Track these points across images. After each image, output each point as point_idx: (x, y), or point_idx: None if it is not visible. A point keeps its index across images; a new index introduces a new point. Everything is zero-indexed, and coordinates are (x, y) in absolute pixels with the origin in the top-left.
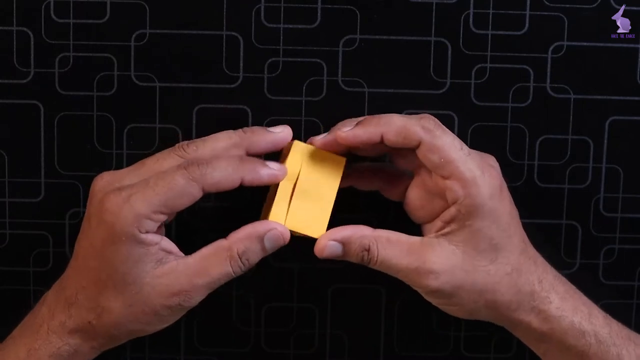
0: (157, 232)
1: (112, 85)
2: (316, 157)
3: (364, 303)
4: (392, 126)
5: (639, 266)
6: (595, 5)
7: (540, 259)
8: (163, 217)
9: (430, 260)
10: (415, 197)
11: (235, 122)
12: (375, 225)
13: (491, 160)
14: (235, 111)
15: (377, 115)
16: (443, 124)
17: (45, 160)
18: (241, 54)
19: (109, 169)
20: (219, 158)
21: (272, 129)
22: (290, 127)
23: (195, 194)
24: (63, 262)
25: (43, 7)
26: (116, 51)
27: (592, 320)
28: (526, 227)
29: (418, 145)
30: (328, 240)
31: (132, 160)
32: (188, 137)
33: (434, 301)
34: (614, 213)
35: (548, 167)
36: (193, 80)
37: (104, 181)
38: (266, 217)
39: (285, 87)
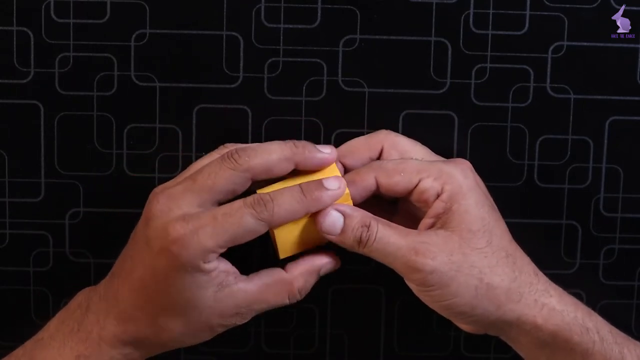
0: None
1: (112, 85)
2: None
3: (364, 303)
4: (382, 170)
5: (639, 266)
6: (595, 5)
7: (527, 257)
8: (225, 249)
9: (428, 241)
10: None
11: (235, 122)
12: None
13: (458, 159)
14: (235, 111)
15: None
16: (443, 124)
17: (45, 160)
18: (241, 54)
19: (108, 169)
20: (282, 193)
21: (320, 147)
22: (290, 127)
23: (262, 231)
24: (63, 262)
25: (43, 7)
26: (116, 51)
27: (592, 317)
28: (526, 227)
29: (378, 185)
30: (331, 209)
31: (132, 160)
32: (188, 137)
33: (434, 299)
34: (614, 213)
35: (548, 167)
36: (193, 80)
37: (162, 205)
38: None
39: (285, 87)
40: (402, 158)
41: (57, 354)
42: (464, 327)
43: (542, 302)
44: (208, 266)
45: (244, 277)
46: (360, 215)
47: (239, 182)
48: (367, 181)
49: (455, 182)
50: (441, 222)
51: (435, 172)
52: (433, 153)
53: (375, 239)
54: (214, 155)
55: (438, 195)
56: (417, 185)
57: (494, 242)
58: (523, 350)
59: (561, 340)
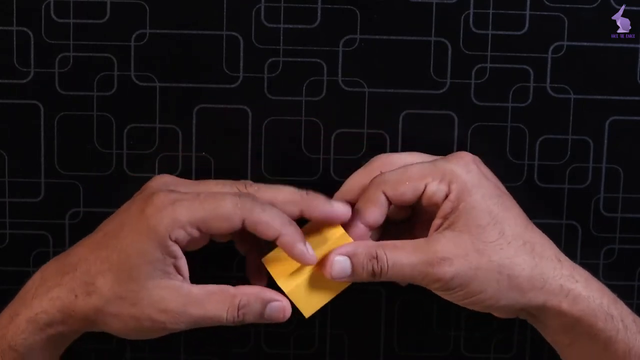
0: (181, 249)
1: (112, 85)
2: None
3: (364, 303)
4: (375, 204)
5: (639, 266)
6: (595, 5)
7: (550, 241)
8: (196, 233)
9: (440, 250)
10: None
11: (235, 122)
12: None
13: (461, 153)
14: (235, 111)
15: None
16: (443, 124)
17: (45, 160)
18: (241, 54)
19: (109, 169)
20: (272, 207)
21: (334, 202)
22: (290, 127)
23: (236, 222)
24: None
25: (43, 7)
26: (116, 51)
27: (618, 305)
28: None
29: (389, 198)
30: (335, 256)
31: (132, 160)
32: (188, 137)
33: (458, 298)
34: (614, 213)
35: (548, 167)
36: (193, 80)
37: (162, 181)
38: (281, 268)
39: (285, 87)
40: (404, 166)
41: (2, 317)
42: (495, 314)
43: (568, 287)
44: (169, 245)
45: (192, 284)
46: (365, 250)
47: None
48: (379, 200)
49: (460, 179)
50: (449, 221)
51: (439, 174)
52: (431, 157)
53: (388, 266)
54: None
55: (447, 196)
56: (424, 190)
57: (507, 232)
58: (549, 334)
59: (585, 326)
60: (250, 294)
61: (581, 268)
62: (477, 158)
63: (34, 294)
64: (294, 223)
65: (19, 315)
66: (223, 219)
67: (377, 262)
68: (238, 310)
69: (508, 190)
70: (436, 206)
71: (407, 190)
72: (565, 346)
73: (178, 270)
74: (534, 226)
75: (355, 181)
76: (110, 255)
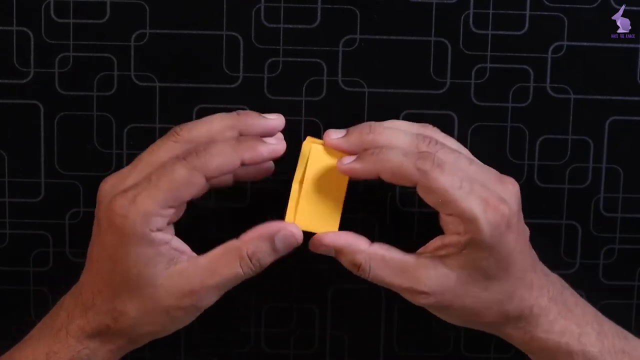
0: (167, 231)
1: (112, 85)
2: (324, 155)
3: (364, 303)
4: (387, 165)
5: (639, 266)
6: (595, 5)
7: (539, 282)
8: (171, 211)
9: (422, 282)
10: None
11: None
12: (373, 224)
13: (508, 186)
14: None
15: (376, 149)
16: (443, 124)
17: (45, 160)
18: (241, 54)
19: (109, 169)
20: (215, 142)
21: (266, 115)
22: (290, 127)
23: (199, 182)
24: (63, 262)
25: (43, 7)
26: (116, 51)
27: (582, 339)
28: (526, 227)
29: (415, 185)
30: (322, 244)
31: (132, 160)
32: None
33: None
34: (614, 213)
35: (548, 167)
36: (193, 80)
37: (109, 185)
38: None
39: (285, 87)
40: (455, 178)
41: (31, 353)
42: None
43: (526, 329)
44: (155, 236)
45: (195, 254)
46: (351, 255)
47: (179, 153)
48: (409, 182)
49: (479, 235)
50: (446, 252)
51: (468, 217)
52: (482, 167)
53: (369, 277)
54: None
55: (458, 233)
56: (447, 214)
57: (491, 288)
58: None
59: (545, 357)
60: (253, 239)
61: (556, 306)
62: (515, 205)
63: (68, 333)
64: (243, 137)
65: (57, 354)
66: (185, 186)
67: (358, 270)
68: (250, 260)
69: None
70: (444, 223)
71: (434, 202)
72: None
73: (178, 250)
74: (531, 273)
75: (399, 137)
76: (113, 278)
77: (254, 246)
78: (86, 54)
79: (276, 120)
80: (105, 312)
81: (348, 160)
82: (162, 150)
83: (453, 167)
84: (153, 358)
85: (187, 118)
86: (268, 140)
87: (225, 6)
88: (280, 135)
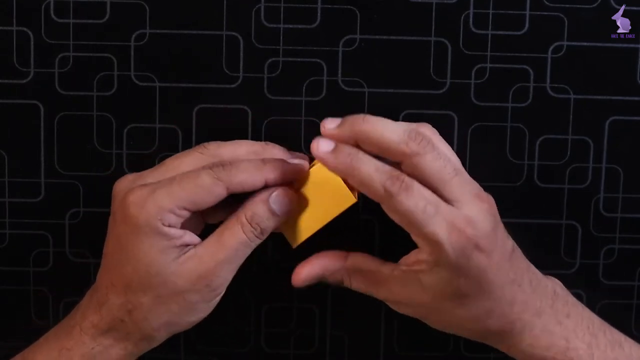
0: (179, 229)
1: (112, 85)
2: (330, 184)
3: (364, 303)
4: (356, 174)
5: (639, 266)
6: (595, 5)
7: (522, 297)
8: (186, 214)
9: (399, 294)
10: None
11: (235, 122)
12: (374, 224)
13: (483, 205)
14: (235, 111)
15: (352, 151)
16: (443, 124)
17: (45, 160)
18: (241, 54)
19: (109, 168)
20: (242, 160)
21: (291, 153)
22: (290, 127)
23: (220, 192)
24: (63, 262)
25: (43, 7)
26: (116, 51)
27: (569, 354)
28: (526, 227)
29: (380, 203)
30: (303, 278)
31: (132, 160)
32: (188, 137)
33: None
34: (614, 213)
35: (548, 167)
36: (193, 80)
37: (127, 180)
38: None
39: (285, 87)
40: (421, 201)
41: (45, 349)
42: None
43: (508, 343)
44: (167, 230)
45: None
46: (331, 276)
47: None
48: (373, 196)
49: (444, 257)
50: (421, 267)
51: (432, 241)
52: (464, 180)
53: (350, 287)
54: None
55: (428, 252)
56: (411, 234)
57: (468, 304)
58: None
59: None
60: (249, 204)
61: (541, 320)
62: (487, 227)
63: (82, 330)
64: (268, 158)
65: (70, 350)
66: (206, 192)
67: (342, 284)
68: (250, 224)
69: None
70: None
71: (398, 222)
72: None
73: (190, 243)
74: (511, 286)
75: (386, 136)
76: (125, 269)
77: (251, 210)
78: (86, 54)
79: (300, 163)
80: (119, 306)
81: (325, 147)
82: (188, 158)
83: (420, 191)
84: (153, 358)
85: (187, 118)
86: (292, 161)
87: (225, 6)
88: (304, 160)
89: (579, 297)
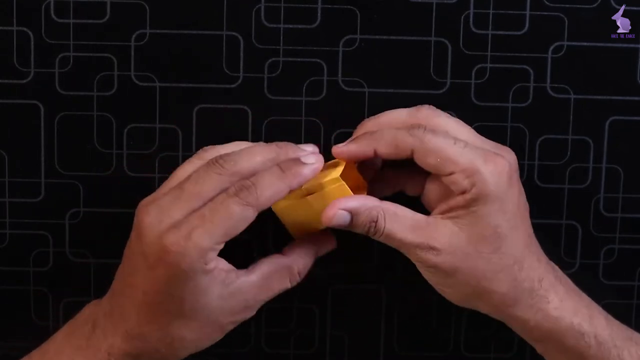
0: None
1: (112, 85)
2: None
3: (364, 303)
4: (381, 140)
5: (639, 266)
6: (595, 5)
7: (544, 258)
8: (222, 246)
9: (434, 237)
10: (432, 190)
11: (235, 122)
12: None
13: (503, 151)
14: (235, 111)
15: (370, 131)
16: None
17: (45, 160)
18: (241, 54)
19: (109, 169)
20: (262, 175)
21: (303, 146)
22: (290, 127)
23: (251, 216)
24: (63, 262)
25: (43, 7)
26: (116, 51)
27: (593, 321)
28: None
29: (412, 154)
30: (337, 209)
31: (132, 160)
32: (188, 137)
33: (430, 279)
34: (614, 213)
35: (548, 167)
36: (193, 80)
37: (152, 217)
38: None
39: (285, 87)
40: (448, 137)
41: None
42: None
43: (538, 307)
44: (209, 267)
45: (244, 270)
46: (367, 211)
47: (227, 187)
48: (403, 154)
49: (485, 187)
50: (456, 213)
51: (470, 171)
52: (477, 135)
53: (382, 233)
54: (195, 161)
55: (465, 191)
56: (448, 174)
57: (502, 249)
58: (520, 335)
59: (554, 341)
60: (302, 254)
61: (563, 285)
62: (513, 164)
63: (110, 355)
64: (284, 163)
65: None
66: (240, 222)
67: (375, 226)
68: (299, 275)
69: (519, 182)
70: (450, 187)
71: (433, 165)
72: (541, 352)
73: (225, 270)
74: (536, 245)
75: (394, 118)
76: (167, 309)
77: (303, 263)
78: (86, 54)
79: (312, 151)
80: (158, 340)
81: (343, 143)
82: (208, 182)
83: (445, 132)
84: None
85: (187, 118)
86: (307, 160)
87: (225, 6)
88: (316, 150)
89: None
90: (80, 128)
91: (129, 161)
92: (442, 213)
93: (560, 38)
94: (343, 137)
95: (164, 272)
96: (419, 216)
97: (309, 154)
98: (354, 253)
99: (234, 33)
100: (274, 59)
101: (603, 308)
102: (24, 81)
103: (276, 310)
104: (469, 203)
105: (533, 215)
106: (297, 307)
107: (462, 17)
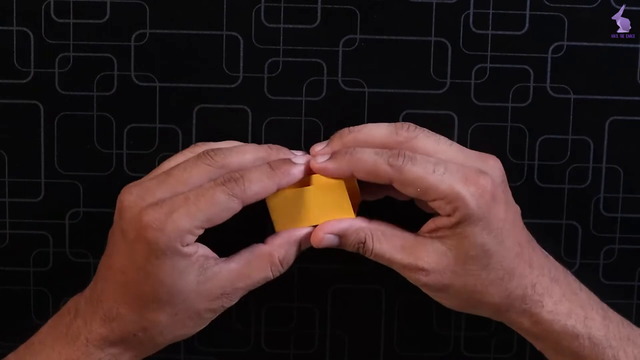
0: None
1: (112, 85)
2: (336, 193)
3: (364, 303)
4: (360, 165)
5: (639, 266)
6: (595, 5)
7: (539, 261)
8: (202, 231)
9: (422, 258)
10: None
11: (235, 122)
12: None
13: (487, 164)
14: (235, 111)
15: (349, 149)
16: (443, 124)
17: (45, 160)
18: (241, 54)
19: (109, 169)
20: (251, 170)
21: (294, 152)
22: (290, 127)
23: (236, 207)
24: (63, 262)
25: (43, 7)
26: (116, 51)
27: (588, 323)
28: (527, 227)
29: (392, 183)
30: (325, 234)
31: (132, 160)
32: (188, 137)
33: (424, 291)
34: (614, 213)
35: (548, 167)
36: (193, 80)
37: (134, 196)
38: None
39: (285, 87)
40: (428, 165)
41: (46, 359)
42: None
43: (532, 311)
44: (187, 249)
45: (224, 258)
46: (355, 233)
47: (214, 179)
48: (384, 179)
49: (467, 210)
50: (443, 234)
51: (451, 196)
52: (462, 148)
53: (372, 253)
54: (186, 153)
55: (449, 214)
56: (431, 200)
57: (491, 265)
58: (520, 334)
59: (549, 342)
60: (284, 244)
61: (563, 282)
62: (498, 178)
63: (88, 341)
64: (275, 162)
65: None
66: (222, 210)
67: (364, 247)
68: (280, 264)
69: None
70: (434, 211)
71: (414, 193)
72: (539, 349)
73: (205, 256)
74: (528, 248)
75: (373, 136)
76: (142, 289)
77: (284, 251)
78: (86, 54)
79: (306, 162)
80: (134, 322)
81: (321, 159)
82: (196, 171)
83: (424, 158)
84: (153, 358)
85: (187, 118)
86: (297, 160)
87: (225, 6)
88: (307, 157)
89: None
90: (80, 128)
91: (129, 161)
92: (430, 232)
93: (560, 38)
94: None
95: (141, 249)
96: (408, 236)
97: (300, 157)
98: (354, 253)
99: (234, 33)
100: (273, 59)
101: None
102: (24, 81)
103: (276, 310)
104: (454, 225)
105: (533, 215)
106: (297, 307)
107: (462, 17)
